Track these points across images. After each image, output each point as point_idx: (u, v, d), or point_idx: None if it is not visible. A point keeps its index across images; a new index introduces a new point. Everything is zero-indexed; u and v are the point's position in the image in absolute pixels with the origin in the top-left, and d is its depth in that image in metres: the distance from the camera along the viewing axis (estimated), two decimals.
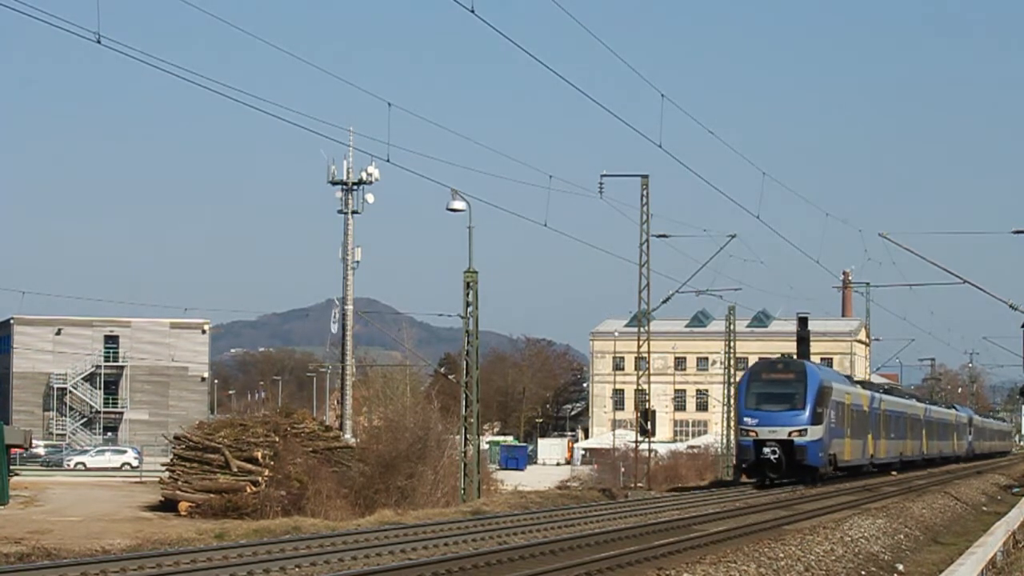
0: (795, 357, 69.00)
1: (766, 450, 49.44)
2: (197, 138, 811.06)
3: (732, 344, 79.24)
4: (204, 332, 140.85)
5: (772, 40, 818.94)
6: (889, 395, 70.40)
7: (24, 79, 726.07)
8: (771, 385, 51.27)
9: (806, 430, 49.82)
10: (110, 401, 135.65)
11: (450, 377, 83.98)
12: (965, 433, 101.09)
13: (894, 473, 69.08)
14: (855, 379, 72.85)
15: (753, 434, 49.89)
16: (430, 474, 55.40)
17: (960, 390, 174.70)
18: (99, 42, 24.31)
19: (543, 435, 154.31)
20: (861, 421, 58.72)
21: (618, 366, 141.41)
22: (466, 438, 51.08)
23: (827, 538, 27.79)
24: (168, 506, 52.37)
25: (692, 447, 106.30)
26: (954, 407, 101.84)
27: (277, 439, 53.91)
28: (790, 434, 49.71)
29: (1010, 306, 52.45)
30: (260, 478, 51.91)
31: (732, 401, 71.45)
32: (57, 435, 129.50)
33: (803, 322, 74.96)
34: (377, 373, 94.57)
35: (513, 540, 26.31)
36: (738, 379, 65.61)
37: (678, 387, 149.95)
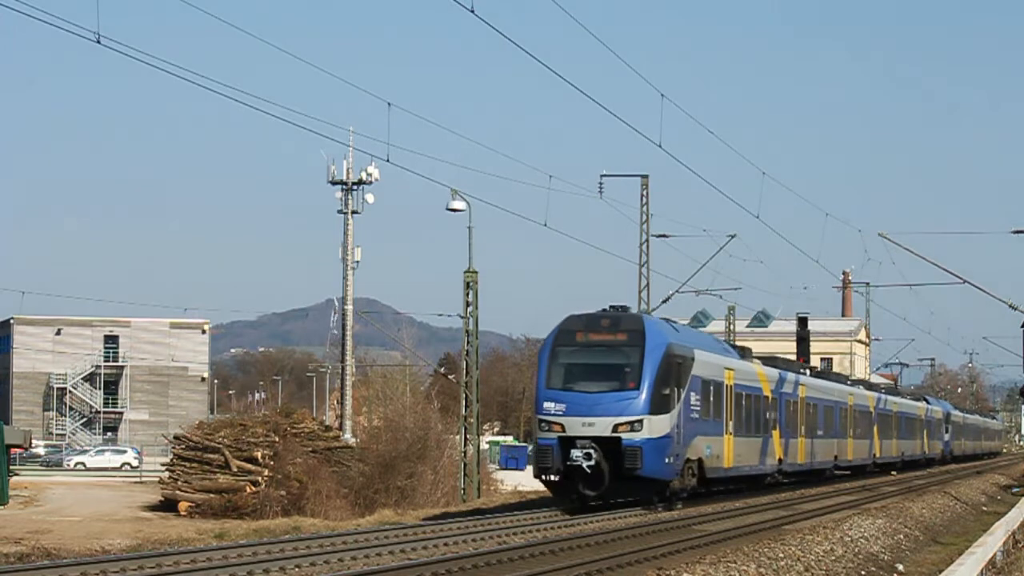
0: (798, 358, 67.70)
1: (576, 453, 33.18)
2: (197, 138, 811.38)
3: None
4: (204, 332, 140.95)
5: (772, 40, 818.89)
6: (819, 379, 55.13)
7: (24, 79, 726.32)
8: (588, 352, 34.74)
9: (641, 422, 33.53)
10: (110, 401, 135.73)
11: (450, 377, 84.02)
12: (939, 431, 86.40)
13: (893, 473, 68.80)
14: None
15: (558, 428, 33.60)
16: (430, 474, 55.47)
17: (960, 390, 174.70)
18: (99, 42, 24.32)
19: None
20: (757, 412, 43.32)
21: None
22: (466, 438, 51.10)
23: (827, 538, 27.80)
24: (168, 506, 52.44)
25: None
26: (925, 399, 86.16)
27: (277, 439, 53.97)
28: (615, 428, 33.43)
29: (1010, 306, 52.48)
30: (260, 478, 51.95)
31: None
32: (57, 435, 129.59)
33: (803, 322, 75.20)
34: (377, 373, 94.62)
35: (513, 540, 26.31)
36: None
37: None
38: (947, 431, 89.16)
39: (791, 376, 48.56)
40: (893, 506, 38.62)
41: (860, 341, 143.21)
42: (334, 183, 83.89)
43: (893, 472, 69.19)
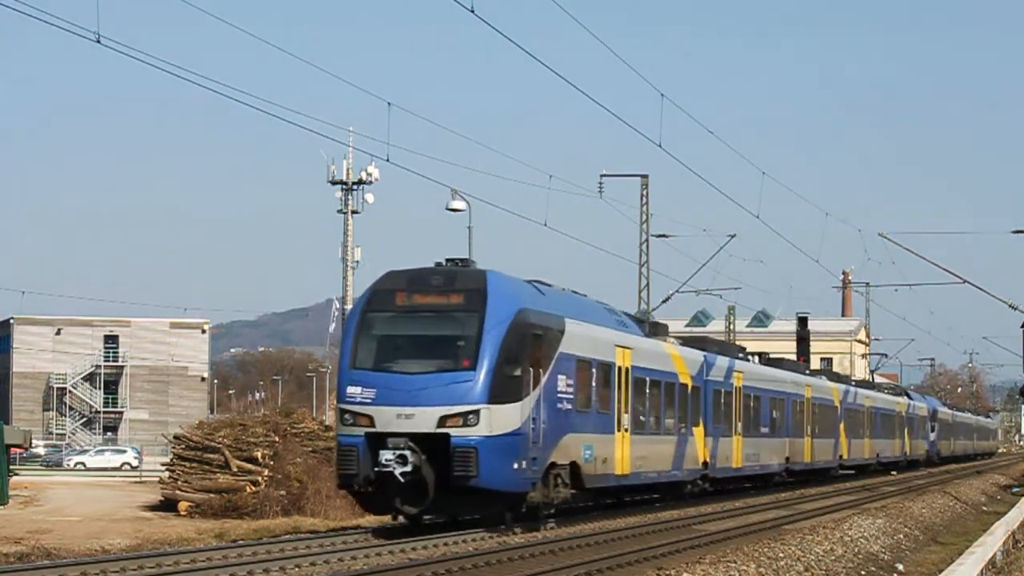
0: (799, 358, 67.13)
1: (387, 456, 25.58)
2: (197, 138, 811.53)
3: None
4: (204, 332, 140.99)
5: (772, 40, 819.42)
6: (766, 366, 47.47)
7: (24, 79, 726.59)
8: (410, 320, 26.97)
9: (477, 413, 25.81)
10: (110, 401, 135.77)
11: None
12: (923, 429, 79.78)
13: (893, 473, 68.67)
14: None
15: (365, 421, 26.09)
16: None
17: (960, 390, 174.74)
18: (99, 42, 24.32)
19: None
20: (670, 404, 35.48)
21: None
22: None
23: (827, 538, 27.80)
24: (168, 506, 52.38)
25: None
26: (907, 394, 79.06)
27: (277, 439, 53.92)
28: (442, 421, 25.85)
29: (1010, 306, 52.51)
30: (260, 478, 51.92)
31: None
32: (57, 435, 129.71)
33: (803, 322, 75.34)
34: None
35: (513, 540, 26.31)
36: None
37: None
38: (933, 429, 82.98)
39: (721, 361, 40.62)
40: (893, 506, 38.62)
41: (860, 341, 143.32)
42: (334, 183, 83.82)
43: (893, 472, 69.10)
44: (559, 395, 28.34)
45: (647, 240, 60.83)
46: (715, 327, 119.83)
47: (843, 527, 30.19)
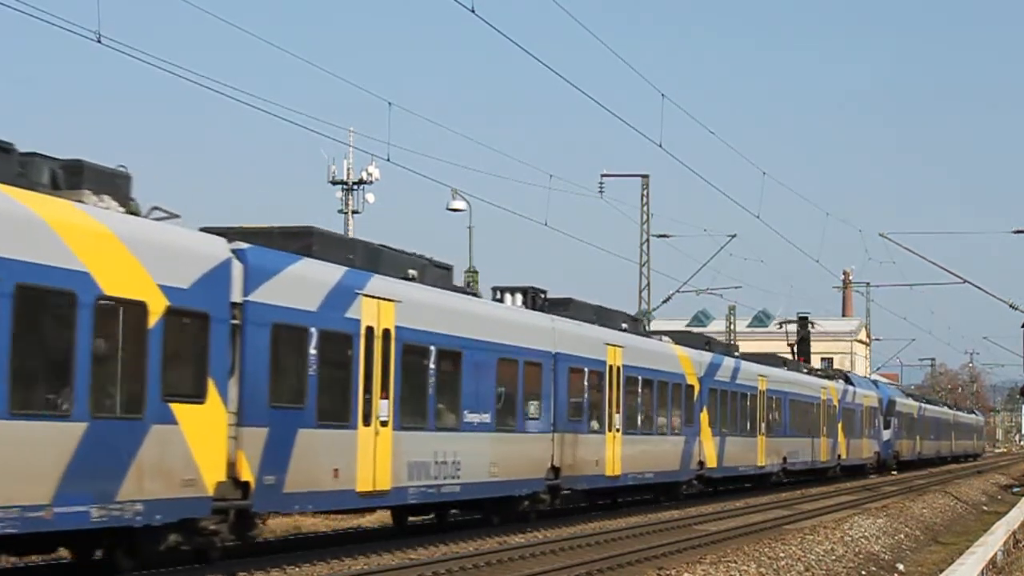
0: (797, 358, 67.03)
1: None
2: (197, 138, 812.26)
3: (732, 343, 79.11)
4: None
5: (772, 40, 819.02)
6: (523, 310, 29.64)
7: (24, 79, 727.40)
8: None
9: None
10: None
11: None
12: (871, 425, 64.16)
13: (894, 473, 68.47)
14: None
15: None
16: None
17: (961, 389, 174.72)
18: (99, 42, 24.29)
19: None
20: (130, 354, 16.74)
21: None
22: None
23: (827, 537, 27.79)
24: None
25: None
26: (846, 378, 62.73)
27: None
28: None
29: (1010, 306, 52.56)
30: None
31: None
32: None
33: (803, 322, 75.28)
34: None
35: (513, 540, 26.30)
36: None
37: None
38: (888, 425, 67.83)
39: (291, 267, 20.31)
40: (894, 506, 38.62)
41: (860, 341, 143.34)
42: (334, 183, 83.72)
43: (893, 472, 68.87)
44: None
45: (647, 240, 60.84)
46: (716, 327, 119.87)
47: (844, 527, 30.18)
